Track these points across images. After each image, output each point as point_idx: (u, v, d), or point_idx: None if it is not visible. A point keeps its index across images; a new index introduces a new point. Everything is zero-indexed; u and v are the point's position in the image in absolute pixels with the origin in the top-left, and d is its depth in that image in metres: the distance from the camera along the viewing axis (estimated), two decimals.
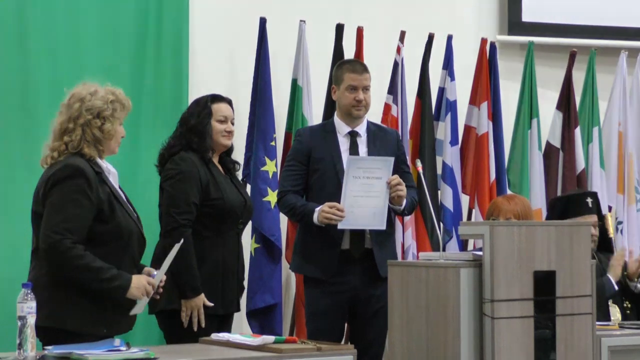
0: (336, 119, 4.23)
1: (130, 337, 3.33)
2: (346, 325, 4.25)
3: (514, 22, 5.81)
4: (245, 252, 4.19)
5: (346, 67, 4.22)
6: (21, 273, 3.41)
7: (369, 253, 4.08)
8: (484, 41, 5.52)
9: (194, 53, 4.84)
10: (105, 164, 3.32)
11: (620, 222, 5.59)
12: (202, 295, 3.87)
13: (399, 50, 5.23)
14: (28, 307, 2.78)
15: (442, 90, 5.41)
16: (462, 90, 5.43)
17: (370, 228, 4.04)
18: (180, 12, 4.72)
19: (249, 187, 4.79)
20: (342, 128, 4.19)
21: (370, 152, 4.15)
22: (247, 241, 4.63)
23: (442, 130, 5.36)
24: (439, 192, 5.30)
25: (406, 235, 5.08)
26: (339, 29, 5.09)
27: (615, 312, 4.30)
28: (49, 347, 2.93)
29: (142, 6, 4.63)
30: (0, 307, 4.04)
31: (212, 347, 3.32)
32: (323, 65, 5.04)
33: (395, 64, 5.23)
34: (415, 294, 3.46)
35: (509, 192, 5.41)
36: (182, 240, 3.38)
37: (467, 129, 5.49)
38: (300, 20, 5.04)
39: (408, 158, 4.59)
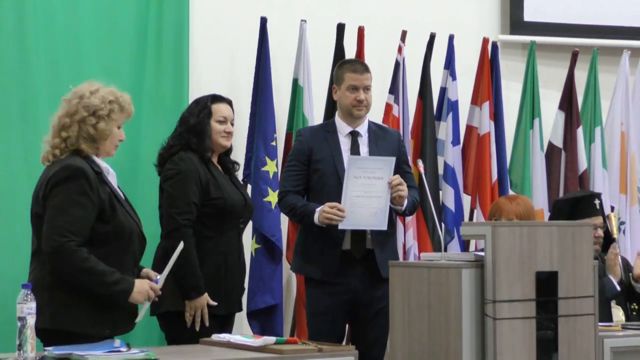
0: (337, 119, 4.22)
1: (131, 338, 3.33)
2: (347, 326, 4.24)
3: (515, 21, 5.80)
4: (245, 252, 4.18)
5: (347, 67, 4.21)
6: (21, 273, 3.40)
7: (370, 254, 4.07)
8: (485, 41, 5.51)
9: (194, 53, 4.83)
10: (104, 164, 3.32)
11: (622, 223, 5.58)
12: (206, 295, 3.87)
13: (400, 50, 5.22)
14: (28, 308, 2.78)
15: (443, 90, 5.40)
16: (463, 90, 5.42)
17: (372, 228, 4.03)
18: (180, 12, 4.71)
19: (249, 188, 4.78)
20: (343, 128, 4.18)
21: (372, 153, 4.14)
22: (248, 242, 4.62)
23: (444, 130, 5.34)
24: (441, 192, 5.29)
25: (407, 236, 5.07)
26: (340, 28, 5.07)
27: (618, 313, 4.29)
28: (49, 348, 2.93)
29: (142, 6, 4.62)
30: (0, 308, 4.02)
31: (213, 348, 3.32)
32: (324, 65, 5.03)
33: (397, 64, 5.22)
34: (416, 295, 3.45)
35: (510, 192, 5.40)
36: (182, 243, 3.38)
37: (469, 129, 5.48)
38: (301, 20, 5.03)
39: (409, 158, 4.57)
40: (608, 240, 4.68)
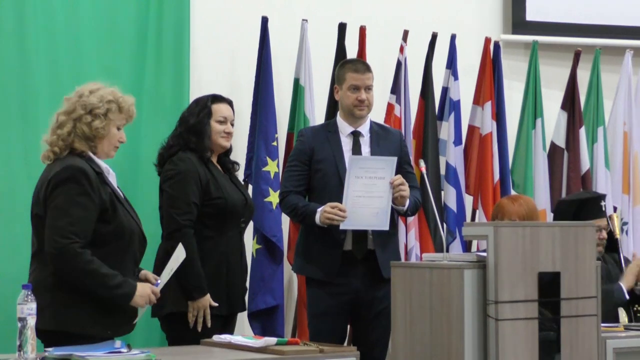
0: (339, 119, 4.21)
1: (131, 339, 3.33)
2: (349, 326, 4.23)
3: (518, 21, 5.79)
4: (246, 253, 4.16)
5: (348, 67, 4.20)
6: (21, 274, 3.40)
7: (372, 254, 4.06)
8: (487, 40, 5.50)
9: (195, 52, 4.82)
10: (104, 165, 3.31)
11: (625, 223, 5.56)
12: (208, 295, 3.86)
13: (402, 49, 5.21)
14: (28, 309, 2.78)
15: (445, 90, 5.39)
16: (465, 89, 5.41)
17: (373, 228, 4.02)
18: (181, 12, 4.70)
19: (250, 188, 4.77)
20: (344, 128, 4.17)
21: (373, 153, 4.13)
22: (249, 242, 4.61)
23: (446, 130, 5.33)
24: (443, 192, 5.28)
25: (409, 236, 5.05)
26: (342, 28, 5.06)
27: (622, 315, 4.28)
28: (50, 349, 2.93)
29: (142, 6, 4.62)
30: (0, 308, 4.02)
31: (214, 349, 3.32)
32: (325, 65, 5.02)
33: (398, 64, 5.20)
34: (418, 296, 3.44)
35: (513, 192, 5.39)
36: (180, 246, 3.39)
37: (471, 129, 5.46)
38: (303, 20, 5.02)
39: (411, 158, 4.56)
40: (610, 239, 4.67)
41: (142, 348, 3.08)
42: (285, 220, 4.80)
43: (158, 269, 3.62)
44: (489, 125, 5.40)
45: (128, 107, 3.31)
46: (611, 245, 4.67)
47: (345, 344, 4.23)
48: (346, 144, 4.16)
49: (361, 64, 4.25)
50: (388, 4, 5.49)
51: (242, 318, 4.58)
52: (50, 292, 3.12)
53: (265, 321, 4.73)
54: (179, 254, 3.36)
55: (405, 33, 5.23)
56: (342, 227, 3.97)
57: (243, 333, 4.20)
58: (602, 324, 3.58)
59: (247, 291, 4.24)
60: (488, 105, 5.41)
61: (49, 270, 3.15)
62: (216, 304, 3.87)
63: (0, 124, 4.27)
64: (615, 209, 5.48)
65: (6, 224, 4.21)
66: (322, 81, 5.00)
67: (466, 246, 5.22)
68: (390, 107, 5.17)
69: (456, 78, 5.36)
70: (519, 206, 4.20)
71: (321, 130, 4.24)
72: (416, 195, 4.16)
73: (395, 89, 5.19)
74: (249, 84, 4.94)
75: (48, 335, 3.09)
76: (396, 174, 4.03)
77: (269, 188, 4.76)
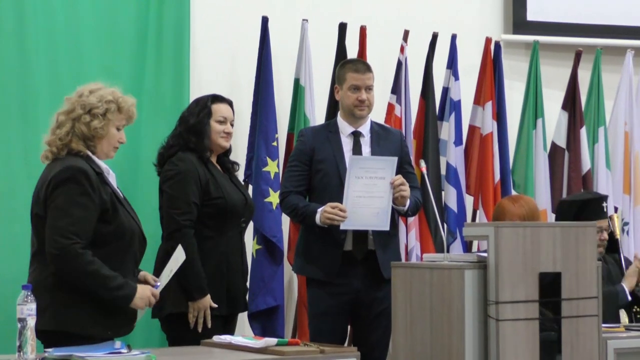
0: (339, 119, 4.20)
1: (131, 340, 3.33)
2: (349, 327, 4.22)
3: (518, 21, 5.78)
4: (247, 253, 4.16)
5: (349, 67, 4.19)
6: (21, 274, 3.39)
7: (372, 254, 4.05)
8: (488, 40, 5.49)
9: (195, 52, 4.81)
10: (104, 165, 3.30)
11: (626, 223, 5.55)
12: (209, 295, 3.85)
13: (402, 49, 5.20)
14: (28, 309, 2.77)
15: (446, 90, 5.38)
16: (466, 90, 5.40)
17: (373, 229, 4.02)
18: (181, 11, 4.70)
19: (250, 188, 4.76)
20: (345, 128, 4.16)
21: (374, 153, 4.13)
22: (249, 242, 4.61)
23: (446, 130, 5.32)
24: (443, 192, 5.27)
25: (410, 237, 5.05)
26: (342, 28, 5.05)
27: (622, 316, 4.28)
28: (50, 350, 2.92)
29: (142, 6, 4.61)
30: (0, 309, 4.01)
31: (214, 350, 3.31)
32: (326, 65, 5.01)
33: (399, 64, 5.20)
34: (419, 296, 3.44)
35: (513, 192, 5.38)
36: (179, 248, 3.38)
37: (472, 129, 5.45)
38: (303, 19, 5.01)
39: (412, 158, 4.55)
40: (611, 240, 4.66)
41: (142, 348, 3.08)
42: (286, 220, 4.80)
43: (158, 270, 3.61)
44: (489, 126, 5.39)
45: (128, 108, 3.30)
46: (612, 245, 4.67)
47: (346, 344, 4.23)
48: (347, 144, 4.15)
49: (362, 64, 4.25)
50: (388, 3, 5.48)
51: (242, 318, 4.57)
52: (50, 292, 3.12)
53: (266, 322, 4.72)
54: (179, 256, 3.36)
55: (406, 33, 5.22)
56: (342, 227, 3.97)
57: (243, 334, 4.20)
58: (603, 325, 3.57)
59: (247, 292, 4.23)
60: (489, 106, 5.41)
61: (49, 270, 3.15)
62: (215, 306, 3.86)
63: (0, 124, 4.27)
64: (616, 209, 5.47)
65: (6, 224, 4.21)
66: (323, 81, 4.99)
67: (467, 246, 5.21)
68: (390, 107, 5.16)
69: (457, 78, 5.36)
70: (520, 207, 4.18)
71: (322, 130, 4.23)
72: (417, 196, 4.15)
73: (395, 89, 5.18)
74: (249, 84, 4.93)
75: (48, 335, 3.08)
76: (397, 174, 4.02)
77: (269, 188, 4.76)
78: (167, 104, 4.60)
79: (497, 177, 5.38)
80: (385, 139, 4.18)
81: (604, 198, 4.62)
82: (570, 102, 5.59)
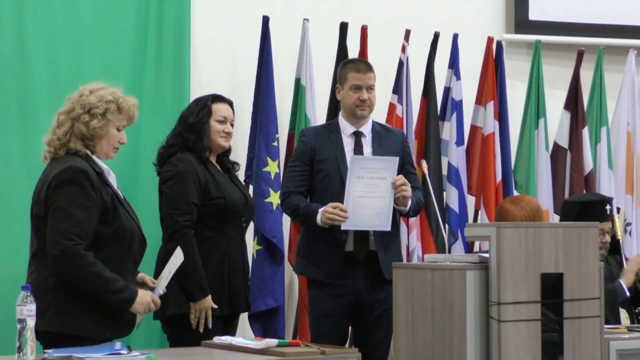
0: (340, 119, 4.19)
1: (131, 341, 3.33)
2: (350, 328, 4.21)
3: (520, 20, 5.77)
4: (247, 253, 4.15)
5: (350, 67, 4.18)
6: (21, 274, 3.38)
7: (373, 255, 4.04)
8: (490, 40, 5.48)
9: (195, 52, 4.81)
10: (105, 166, 3.30)
11: (629, 224, 5.54)
12: (210, 296, 3.84)
13: (403, 49, 5.19)
14: (28, 310, 2.77)
15: (447, 90, 5.37)
16: (468, 89, 5.39)
17: (375, 229, 4.01)
18: (181, 11, 4.70)
19: (251, 188, 4.75)
20: (346, 128, 4.15)
21: (375, 153, 4.12)
22: (249, 243, 4.59)
23: (448, 130, 5.31)
24: (445, 193, 5.26)
25: (411, 237, 5.04)
26: (343, 27, 5.05)
27: (623, 316, 4.27)
28: (49, 351, 2.92)
29: (142, 5, 4.61)
30: None
31: (214, 351, 3.31)
32: (327, 65, 5.01)
33: (400, 63, 5.19)
34: (420, 297, 3.42)
35: (515, 193, 5.37)
36: (178, 249, 3.38)
37: (473, 129, 5.44)
38: (304, 19, 5.00)
39: (413, 159, 4.54)
40: (612, 241, 4.64)
41: (142, 349, 3.07)
42: (286, 221, 4.79)
43: (158, 271, 3.60)
44: (491, 126, 5.38)
45: (129, 108, 3.29)
46: (613, 247, 4.65)
47: (347, 345, 4.22)
48: (348, 144, 4.14)
49: (363, 63, 4.24)
50: (390, 3, 5.47)
51: (243, 319, 4.56)
52: (50, 293, 3.11)
53: (266, 323, 4.72)
54: (177, 258, 3.35)
55: (407, 32, 5.21)
56: (343, 227, 3.96)
57: (244, 335, 4.19)
58: (605, 326, 3.56)
59: (249, 292, 4.22)
60: (490, 105, 5.40)
61: (49, 270, 3.14)
62: (216, 306, 3.85)
63: (0, 124, 4.26)
64: (618, 209, 5.46)
65: (6, 224, 4.21)
66: (324, 81, 4.99)
67: (468, 247, 5.20)
68: (392, 107, 5.16)
69: (458, 78, 5.35)
70: (521, 209, 4.15)
71: (323, 130, 4.22)
72: (418, 196, 4.14)
73: (397, 89, 5.17)
74: (249, 83, 4.92)
75: (48, 336, 3.07)
76: (398, 174, 4.01)
77: (270, 189, 4.75)
78: (167, 104, 4.60)
79: (499, 177, 5.37)
80: (386, 139, 4.17)
81: (608, 200, 4.60)
82: (573, 102, 5.58)
